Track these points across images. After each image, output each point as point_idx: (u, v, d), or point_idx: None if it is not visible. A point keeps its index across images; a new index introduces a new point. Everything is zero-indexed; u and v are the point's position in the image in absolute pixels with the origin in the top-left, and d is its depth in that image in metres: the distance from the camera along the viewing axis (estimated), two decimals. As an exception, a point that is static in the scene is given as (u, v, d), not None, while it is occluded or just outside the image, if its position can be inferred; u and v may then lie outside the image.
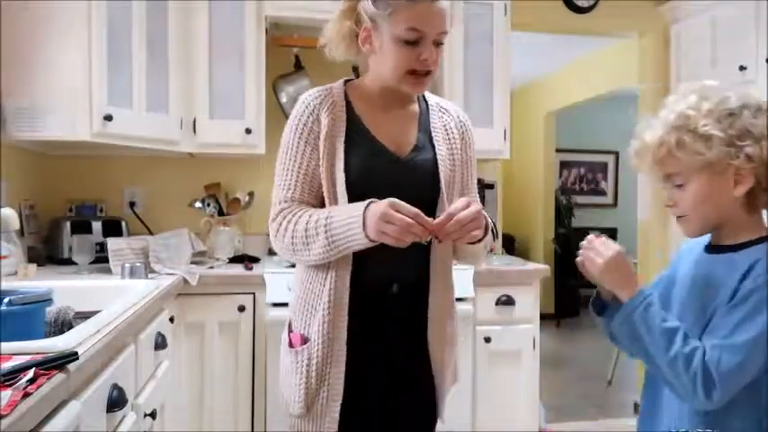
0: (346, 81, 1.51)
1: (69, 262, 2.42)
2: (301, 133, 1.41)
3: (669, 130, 1.17)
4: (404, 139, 1.46)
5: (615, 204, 7.62)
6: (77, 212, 2.77)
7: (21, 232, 2.33)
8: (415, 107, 1.52)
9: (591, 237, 1.25)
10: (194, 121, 2.60)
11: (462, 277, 2.52)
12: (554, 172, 7.08)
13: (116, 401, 1.26)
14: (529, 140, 6.71)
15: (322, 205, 1.42)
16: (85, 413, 1.06)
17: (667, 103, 1.22)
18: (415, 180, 1.42)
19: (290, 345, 1.44)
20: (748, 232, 1.18)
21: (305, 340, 1.41)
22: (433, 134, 1.49)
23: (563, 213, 7.00)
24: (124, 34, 2.35)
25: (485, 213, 1.36)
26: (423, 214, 1.24)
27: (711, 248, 1.24)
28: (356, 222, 1.27)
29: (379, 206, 1.24)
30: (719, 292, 1.15)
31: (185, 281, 2.24)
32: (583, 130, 7.24)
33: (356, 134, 1.42)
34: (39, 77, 2.21)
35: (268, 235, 1.46)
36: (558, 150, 6.96)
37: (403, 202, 1.23)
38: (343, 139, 1.40)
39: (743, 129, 1.13)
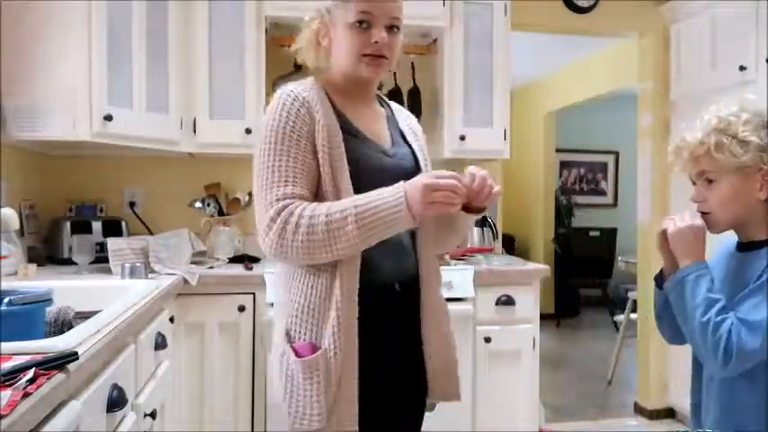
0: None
1: (69, 262, 2.42)
2: (294, 125, 1.34)
3: (710, 132, 1.31)
4: (382, 135, 1.48)
5: (615, 204, 7.62)
6: (77, 212, 2.77)
7: (21, 232, 2.33)
8: (381, 108, 1.55)
9: (688, 210, 1.39)
10: (194, 121, 2.60)
11: (462, 277, 2.52)
12: (554, 172, 7.08)
13: (116, 401, 1.26)
14: (529, 140, 6.71)
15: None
16: (85, 413, 1.06)
17: (710, 110, 1.36)
18: (404, 172, 1.40)
19: (298, 355, 1.32)
20: None
21: (315, 348, 1.32)
22: (404, 132, 1.54)
23: (563, 213, 7.00)
24: (124, 34, 2.35)
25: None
26: (458, 176, 1.28)
27: (742, 246, 1.38)
28: (396, 201, 1.25)
29: (420, 179, 1.26)
30: (749, 282, 1.28)
31: (185, 281, 2.24)
32: (583, 130, 7.24)
33: (347, 127, 1.40)
34: (39, 77, 2.21)
35: None
36: (558, 150, 6.96)
37: (441, 171, 1.28)
38: (339, 132, 1.37)
39: None
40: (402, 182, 1.28)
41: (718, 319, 1.24)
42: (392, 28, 1.41)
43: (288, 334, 1.36)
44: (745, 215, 1.33)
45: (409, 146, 1.51)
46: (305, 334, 1.34)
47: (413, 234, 1.46)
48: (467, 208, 1.37)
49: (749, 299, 1.25)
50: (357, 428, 1.33)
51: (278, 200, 1.31)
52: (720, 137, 1.30)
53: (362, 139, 1.42)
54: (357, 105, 1.46)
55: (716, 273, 1.36)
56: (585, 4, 3.49)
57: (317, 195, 1.36)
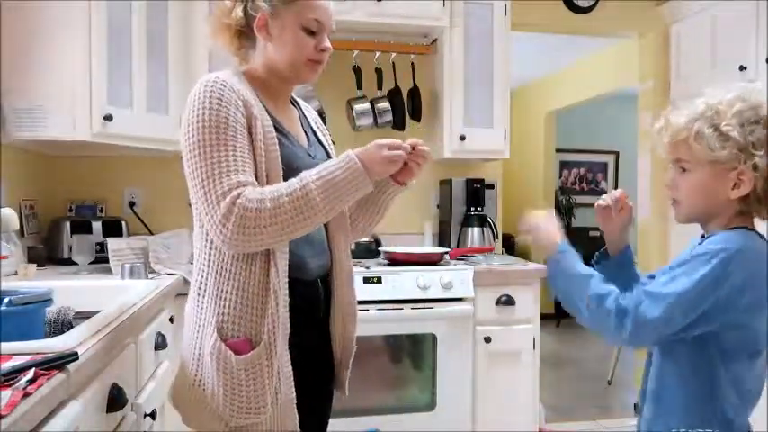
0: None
1: (69, 262, 2.42)
2: (229, 113, 1.27)
3: (694, 119, 1.20)
4: (301, 135, 1.48)
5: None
6: (77, 212, 2.77)
7: (21, 232, 2.33)
8: (293, 107, 1.54)
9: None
10: (194, 121, 2.60)
11: (462, 277, 2.52)
12: (554, 172, 7.07)
13: (116, 401, 1.26)
14: (529, 140, 6.71)
15: None
16: (85, 413, 1.06)
17: (705, 93, 1.24)
18: None
19: (238, 353, 1.29)
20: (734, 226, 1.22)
21: (252, 343, 1.30)
22: (315, 130, 1.55)
23: (563, 213, 7.00)
24: (124, 34, 2.35)
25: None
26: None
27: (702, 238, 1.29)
28: (349, 166, 1.27)
29: (373, 143, 1.30)
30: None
31: (185, 281, 2.23)
32: (583, 130, 7.24)
33: (278, 127, 1.39)
34: (39, 77, 2.21)
35: None
36: (557, 150, 6.95)
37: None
38: (271, 124, 1.35)
39: (762, 138, 1.16)
40: (348, 151, 1.30)
41: (603, 291, 1.20)
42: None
43: (219, 331, 1.30)
44: (712, 211, 1.23)
45: (321, 144, 1.53)
46: (240, 330, 1.31)
47: (326, 228, 1.49)
48: (396, 181, 1.45)
49: (665, 274, 1.18)
50: (296, 412, 1.36)
51: (229, 190, 1.23)
52: (703, 126, 1.18)
53: (291, 139, 1.42)
54: (279, 104, 1.46)
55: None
56: (585, 4, 3.49)
57: None
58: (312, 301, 1.44)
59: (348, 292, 1.50)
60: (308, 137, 1.50)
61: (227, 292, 1.32)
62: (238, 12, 1.39)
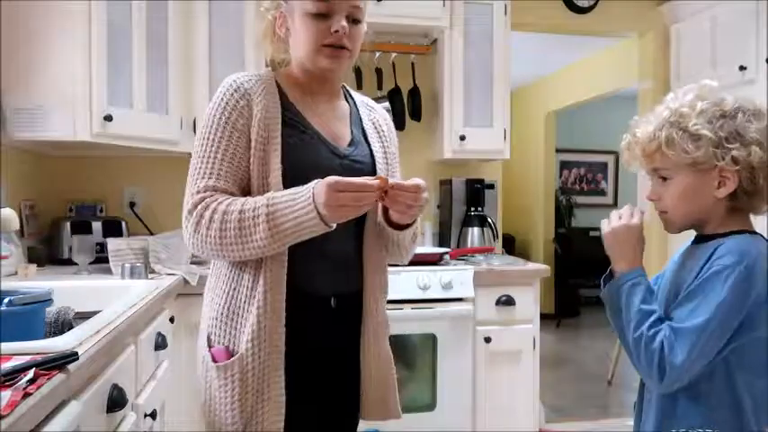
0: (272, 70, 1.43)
1: (69, 262, 2.42)
2: (229, 116, 1.28)
3: (662, 126, 1.18)
4: (339, 133, 1.39)
5: (615, 204, 7.62)
6: (77, 212, 2.76)
7: (21, 232, 2.33)
8: (344, 103, 1.45)
9: (628, 205, 1.27)
10: (194, 121, 2.60)
11: (462, 277, 2.52)
12: (554, 172, 7.08)
13: (116, 401, 1.26)
14: (529, 140, 6.72)
15: None
16: (85, 413, 1.06)
17: (665, 100, 1.24)
18: (355, 175, 1.25)
19: (213, 360, 1.27)
20: (731, 228, 1.19)
21: (231, 353, 1.27)
22: (366, 130, 1.44)
23: (563, 213, 7.01)
24: (124, 34, 2.35)
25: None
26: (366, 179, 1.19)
27: (696, 240, 1.26)
28: (306, 202, 1.16)
29: (325, 180, 1.16)
30: (688, 277, 1.18)
31: (185, 281, 2.23)
32: (583, 130, 7.25)
33: (293, 123, 1.32)
34: (39, 77, 2.21)
35: None
36: (557, 150, 6.96)
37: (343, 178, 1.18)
38: (279, 126, 1.29)
39: (733, 131, 1.15)
40: (313, 184, 1.18)
41: (651, 333, 1.14)
42: (354, 20, 1.31)
43: (208, 337, 1.30)
44: (703, 214, 1.20)
45: (369, 146, 1.42)
46: (223, 338, 1.28)
47: (360, 245, 1.38)
48: (390, 222, 1.32)
49: (685, 304, 1.14)
50: (282, 429, 1.27)
51: (198, 192, 1.25)
52: (671, 131, 1.16)
53: (312, 136, 1.33)
54: (317, 100, 1.38)
55: (669, 267, 1.30)
56: (585, 4, 3.49)
57: (249, 192, 1.29)
58: (319, 318, 1.34)
59: (377, 312, 1.39)
60: (353, 135, 1.40)
61: (219, 296, 1.30)
62: (268, 17, 1.38)
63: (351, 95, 1.50)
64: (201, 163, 1.27)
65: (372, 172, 1.38)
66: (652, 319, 1.15)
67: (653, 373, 1.14)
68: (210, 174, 1.25)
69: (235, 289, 1.27)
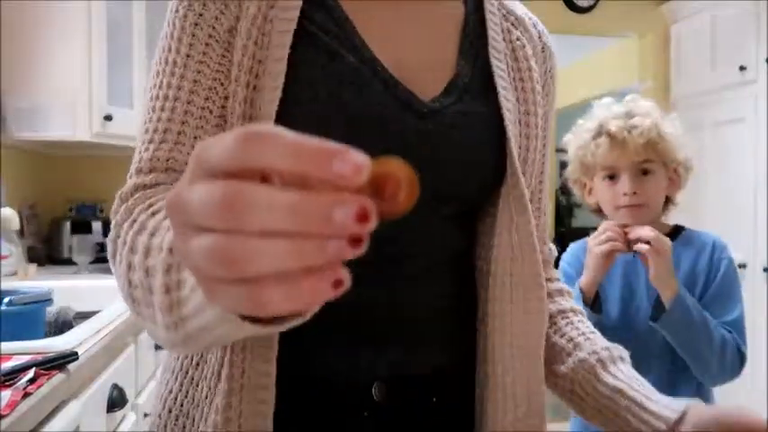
0: None
1: (69, 262, 2.42)
2: (185, 29, 0.66)
3: (655, 120, 1.25)
4: (430, 67, 0.69)
5: (615, 204, 7.63)
6: (77, 212, 2.76)
7: (21, 232, 2.33)
8: (455, 5, 0.74)
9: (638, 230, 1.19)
10: (194, 121, 2.60)
11: (462, 277, 2.51)
12: (554, 172, 7.08)
13: (116, 401, 1.26)
14: (529, 140, 6.72)
15: None
16: (85, 413, 1.06)
17: (594, 113, 1.39)
18: (451, 153, 0.66)
19: None
20: (666, 222, 1.35)
21: None
22: (493, 63, 0.72)
23: (563, 213, 7.01)
24: (124, 34, 2.35)
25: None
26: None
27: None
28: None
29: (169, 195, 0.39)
30: (698, 271, 1.27)
31: (185, 281, 2.23)
32: (583, 130, 7.25)
33: (323, 36, 0.65)
34: (39, 77, 2.21)
35: None
36: (558, 150, 6.92)
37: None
38: (289, 41, 0.63)
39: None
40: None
41: (727, 336, 1.21)
42: None
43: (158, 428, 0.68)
44: (659, 209, 1.33)
45: (496, 98, 0.70)
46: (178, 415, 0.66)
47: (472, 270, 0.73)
48: None
49: (720, 300, 1.24)
50: None
51: (132, 175, 0.68)
52: (667, 126, 1.26)
53: (358, 68, 0.64)
54: (391, 3, 0.69)
55: (614, 271, 1.28)
56: (585, 4, 3.49)
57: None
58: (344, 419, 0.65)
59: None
60: (458, 73, 0.69)
61: (172, 377, 0.68)
62: None
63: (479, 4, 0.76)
64: (149, 113, 0.70)
65: (493, 147, 0.70)
66: (715, 322, 1.22)
67: (736, 367, 1.21)
68: (162, 135, 0.67)
69: (196, 367, 0.65)
